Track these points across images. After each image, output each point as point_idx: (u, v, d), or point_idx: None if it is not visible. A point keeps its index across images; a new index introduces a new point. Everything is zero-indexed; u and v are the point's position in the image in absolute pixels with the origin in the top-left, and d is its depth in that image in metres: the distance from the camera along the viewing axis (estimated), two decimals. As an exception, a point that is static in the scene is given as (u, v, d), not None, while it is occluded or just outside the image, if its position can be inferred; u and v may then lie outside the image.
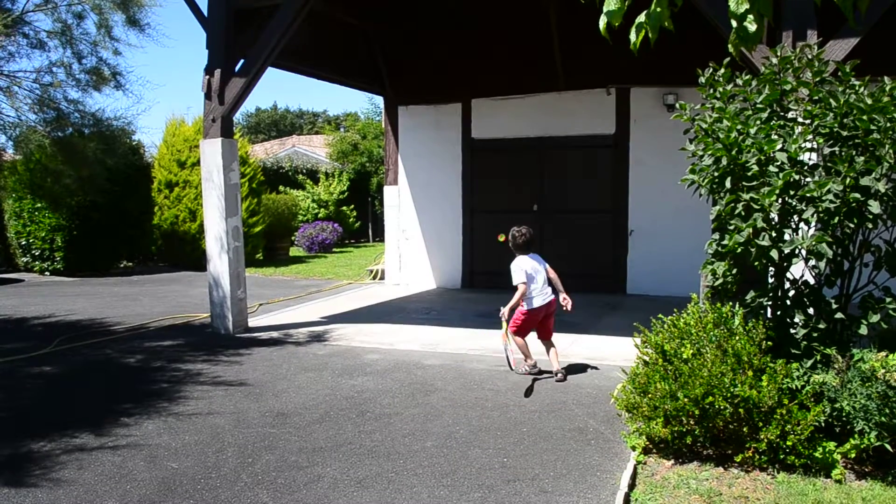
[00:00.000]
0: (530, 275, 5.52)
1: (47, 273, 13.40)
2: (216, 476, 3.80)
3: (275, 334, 7.57)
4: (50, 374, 6.02)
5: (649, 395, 3.93)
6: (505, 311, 5.53)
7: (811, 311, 4.13)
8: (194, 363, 6.30)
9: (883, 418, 3.46)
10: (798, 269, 4.25)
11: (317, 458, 4.04)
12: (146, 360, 6.47)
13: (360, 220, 22.84)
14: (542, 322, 5.72)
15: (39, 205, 12.73)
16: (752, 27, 2.09)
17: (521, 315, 5.64)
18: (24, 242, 13.34)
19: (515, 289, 5.55)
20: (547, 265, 5.74)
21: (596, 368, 5.95)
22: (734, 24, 2.12)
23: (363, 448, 4.19)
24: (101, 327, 8.04)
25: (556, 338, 5.60)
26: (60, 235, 12.99)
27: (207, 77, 7.51)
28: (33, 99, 7.08)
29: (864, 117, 3.74)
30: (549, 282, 5.68)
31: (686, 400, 3.73)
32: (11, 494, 3.57)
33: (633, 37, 2.37)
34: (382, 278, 12.20)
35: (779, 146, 3.85)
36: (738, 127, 3.95)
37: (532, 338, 5.82)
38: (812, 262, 4.13)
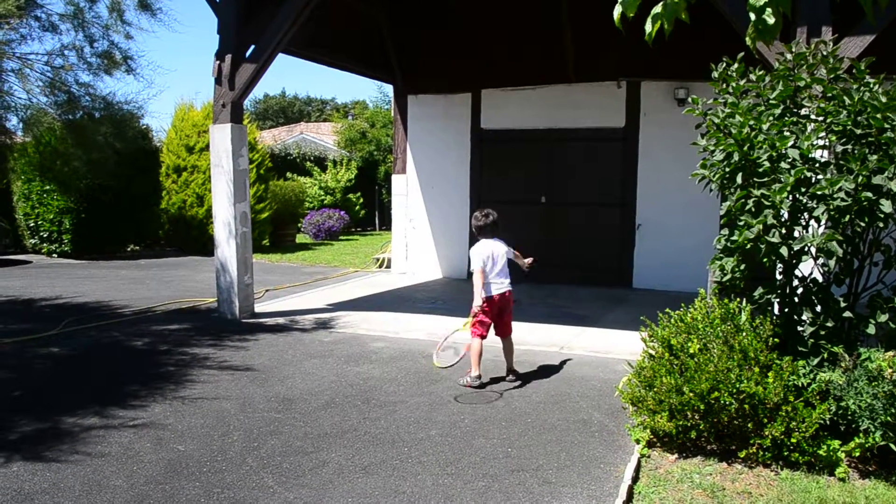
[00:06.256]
0: (487, 261, 5.17)
1: (55, 255, 13.46)
2: (222, 459, 3.83)
3: (281, 320, 7.60)
4: (58, 356, 6.06)
5: (655, 389, 3.94)
6: (475, 307, 5.11)
7: (819, 308, 4.12)
8: (201, 347, 6.34)
9: (888, 418, 3.46)
10: (807, 267, 4.24)
11: (322, 444, 4.06)
12: (153, 343, 6.51)
13: (366, 209, 22.84)
14: (499, 316, 5.30)
15: (48, 187, 12.78)
16: (771, 20, 2.08)
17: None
18: (32, 224, 13.41)
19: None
20: (511, 250, 5.35)
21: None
22: (752, 16, 2.11)
23: (368, 435, 4.22)
24: (108, 310, 8.08)
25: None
26: (68, 218, 13.05)
27: (218, 62, 7.51)
28: (45, 81, 7.08)
29: (879, 115, 3.72)
30: (509, 271, 5.29)
31: (691, 394, 3.74)
32: (19, 473, 3.61)
33: (648, 27, 2.36)
34: (388, 267, 12.22)
35: (791, 143, 3.83)
36: (751, 122, 3.94)
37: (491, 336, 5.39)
38: (821, 260, 4.11)
